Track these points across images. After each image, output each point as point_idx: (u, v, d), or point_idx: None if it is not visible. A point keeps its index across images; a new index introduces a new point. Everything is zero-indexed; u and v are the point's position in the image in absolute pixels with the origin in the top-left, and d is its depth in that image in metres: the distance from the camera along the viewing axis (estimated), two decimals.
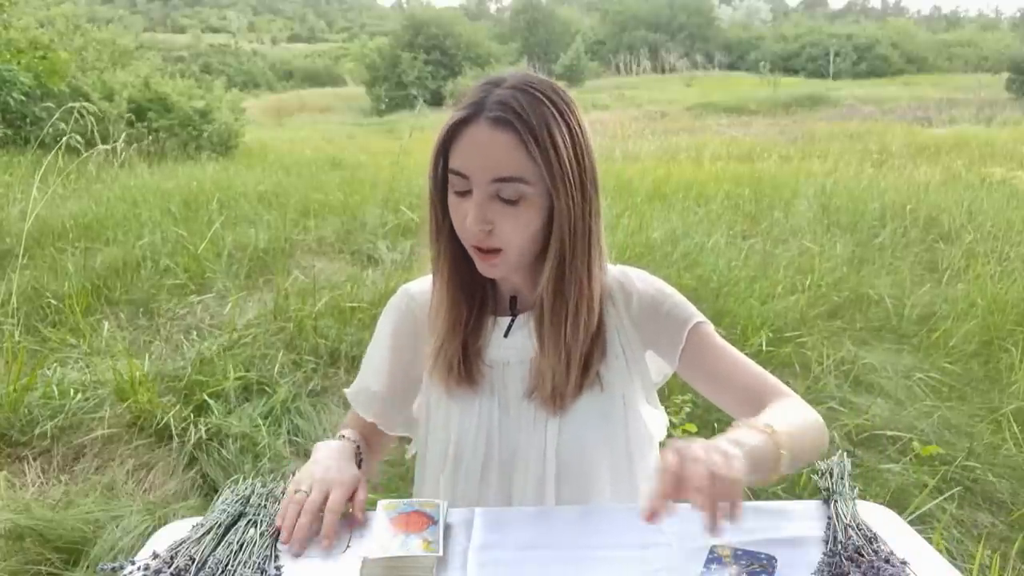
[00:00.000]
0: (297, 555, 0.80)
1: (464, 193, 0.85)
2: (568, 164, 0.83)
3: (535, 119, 0.82)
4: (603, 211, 0.92)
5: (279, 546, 0.81)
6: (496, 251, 0.87)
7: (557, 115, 0.83)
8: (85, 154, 4.31)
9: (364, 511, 0.87)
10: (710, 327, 0.96)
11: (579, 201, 0.86)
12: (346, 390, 1.08)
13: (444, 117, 0.87)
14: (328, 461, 0.91)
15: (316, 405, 2.59)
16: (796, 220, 5.04)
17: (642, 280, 0.99)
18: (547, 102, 0.83)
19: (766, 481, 0.75)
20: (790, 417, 0.82)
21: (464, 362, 0.95)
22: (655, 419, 1.03)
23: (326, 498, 0.84)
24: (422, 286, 1.03)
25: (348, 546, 0.81)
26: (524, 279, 0.95)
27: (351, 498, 0.87)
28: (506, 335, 0.96)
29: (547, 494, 0.95)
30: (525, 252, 0.88)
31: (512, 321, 0.96)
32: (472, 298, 0.95)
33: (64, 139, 3.79)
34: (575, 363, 0.92)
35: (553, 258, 0.87)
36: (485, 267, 0.89)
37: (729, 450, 0.67)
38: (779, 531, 0.84)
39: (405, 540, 0.78)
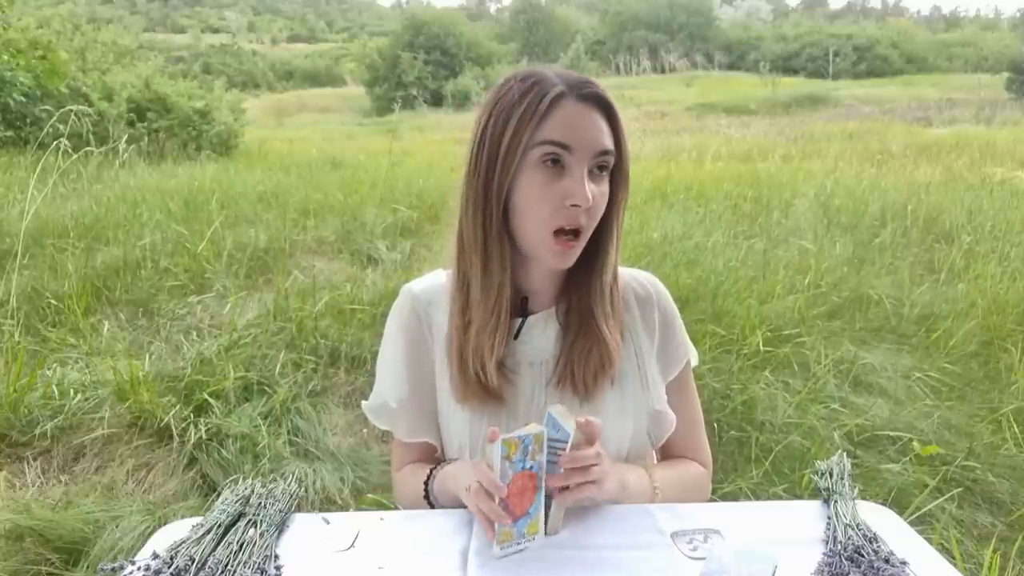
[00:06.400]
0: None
1: (556, 164, 0.82)
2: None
3: (613, 103, 0.87)
4: None
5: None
6: (579, 233, 0.85)
7: None
8: (83, 154, 4.29)
9: None
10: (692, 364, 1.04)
11: (628, 190, 0.91)
12: (364, 403, 1.06)
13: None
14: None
15: (316, 405, 2.59)
16: (796, 220, 5.04)
17: (663, 295, 1.01)
18: None
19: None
20: (681, 481, 0.99)
21: (490, 372, 0.91)
22: (660, 423, 0.99)
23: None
24: (424, 284, 1.01)
25: (352, 546, 0.81)
26: (551, 275, 0.94)
27: None
28: (516, 336, 0.94)
29: None
30: (590, 235, 0.88)
31: (522, 322, 0.95)
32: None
33: (64, 143, 3.77)
34: (607, 354, 0.91)
35: (616, 241, 0.91)
36: (566, 253, 0.85)
37: (613, 479, 0.83)
38: (779, 531, 0.84)
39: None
